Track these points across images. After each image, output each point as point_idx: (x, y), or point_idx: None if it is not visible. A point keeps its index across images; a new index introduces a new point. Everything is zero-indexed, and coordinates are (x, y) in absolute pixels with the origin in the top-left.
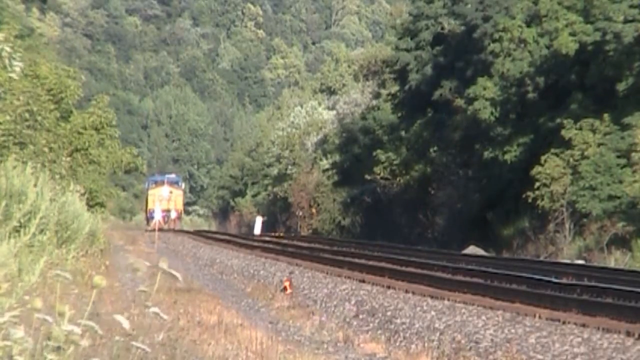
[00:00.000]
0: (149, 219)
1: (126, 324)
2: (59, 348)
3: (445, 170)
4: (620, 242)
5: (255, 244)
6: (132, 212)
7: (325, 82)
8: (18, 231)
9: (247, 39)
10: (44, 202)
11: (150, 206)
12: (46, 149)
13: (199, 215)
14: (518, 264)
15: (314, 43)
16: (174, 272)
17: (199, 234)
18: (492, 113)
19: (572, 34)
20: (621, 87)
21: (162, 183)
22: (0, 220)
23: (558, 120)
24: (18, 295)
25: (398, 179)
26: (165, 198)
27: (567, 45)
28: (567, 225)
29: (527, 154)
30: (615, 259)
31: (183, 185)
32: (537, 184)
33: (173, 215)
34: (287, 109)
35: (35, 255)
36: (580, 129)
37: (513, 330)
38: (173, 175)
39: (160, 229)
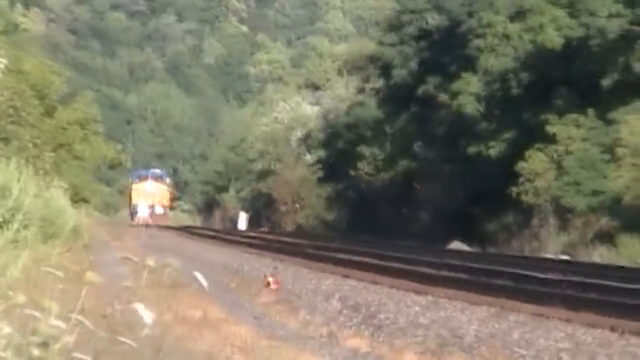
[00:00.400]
0: (132, 214)
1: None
2: (44, 343)
3: (430, 165)
4: (605, 237)
5: (240, 239)
6: (116, 208)
7: (310, 77)
8: (2, 227)
9: (231, 34)
10: (27, 197)
11: (134, 201)
12: (30, 145)
13: (183, 210)
14: (502, 259)
15: (298, 38)
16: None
17: (184, 229)
18: (476, 108)
19: (557, 29)
20: (605, 82)
21: (146, 178)
22: None
23: (542, 116)
24: (1, 290)
25: (382, 174)
26: (149, 193)
27: (552, 40)
28: (551, 221)
29: (511, 149)
30: (600, 254)
31: (168, 180)
32: (522, 179)
33: (158, 210)
34: (271, 104)
35: (20, 250)
36: (565, 124)
37: (497, 326)
38: (158, 170)
39: (146, 225)
